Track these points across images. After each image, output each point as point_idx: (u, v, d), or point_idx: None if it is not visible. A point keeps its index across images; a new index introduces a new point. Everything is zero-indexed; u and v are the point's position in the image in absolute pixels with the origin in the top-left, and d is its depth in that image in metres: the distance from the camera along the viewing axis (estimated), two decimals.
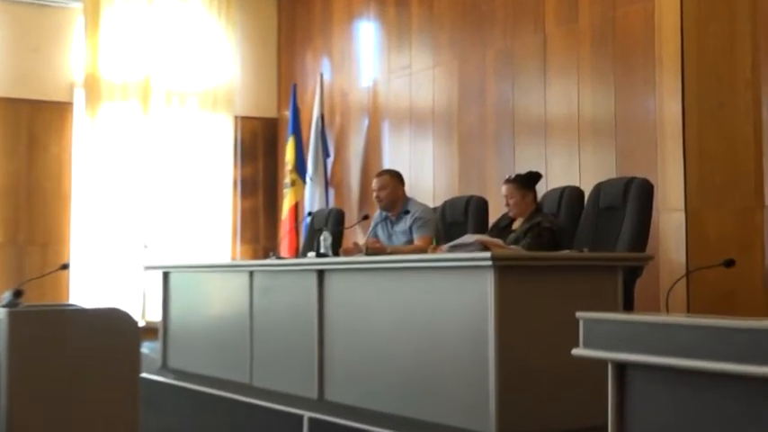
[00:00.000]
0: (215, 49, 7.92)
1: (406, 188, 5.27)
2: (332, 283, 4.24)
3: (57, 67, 7.47)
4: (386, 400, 3.80)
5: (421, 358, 3.65)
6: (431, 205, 5.46)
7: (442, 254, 3.86)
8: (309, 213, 6.43)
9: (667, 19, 4.67)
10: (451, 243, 3.84)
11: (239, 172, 8.09)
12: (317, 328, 4.26)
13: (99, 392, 3.57)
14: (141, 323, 6.97)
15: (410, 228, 4.99)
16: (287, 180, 7.58)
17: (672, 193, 4.57)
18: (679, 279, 3.87)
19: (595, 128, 5.21)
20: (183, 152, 7.76)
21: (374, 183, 5.14)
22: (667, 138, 4.67)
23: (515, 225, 4.53)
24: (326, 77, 7.65)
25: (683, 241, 4.47)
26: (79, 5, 7.47)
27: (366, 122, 7.24)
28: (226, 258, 7.67)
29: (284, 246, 7.38)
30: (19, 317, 3.69)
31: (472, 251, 3.62)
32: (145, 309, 7.36)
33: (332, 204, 7.28)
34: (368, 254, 4.39)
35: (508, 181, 4.55)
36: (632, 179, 4.28)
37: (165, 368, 5.57)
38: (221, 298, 5.26)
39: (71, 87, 7.48)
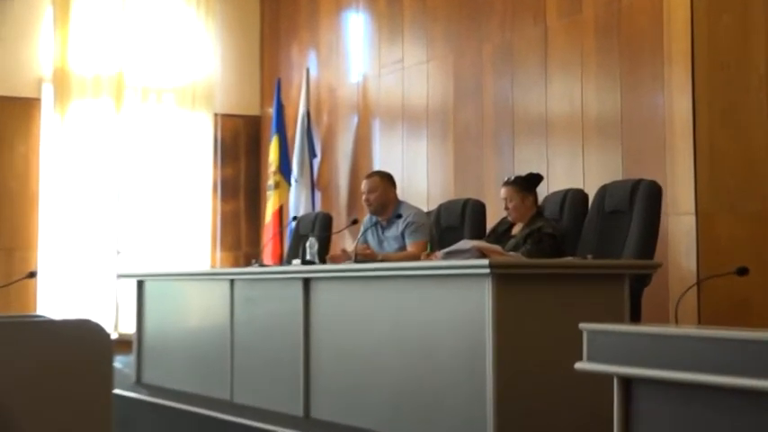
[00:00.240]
0: (193, 42, 7.90)
1: (398, 191, 5.27)
2: (319, 292, 4.23)
3: (23, 60, 7.44)
4: (376, 418, 3.79)
5: (414, 373, 3.64)
6: (424, 209, 5.47)
7: (437, 261, 3.86)
8: (294, 218, 6.42)
9: (677, 10, 4.69)
10: (447, 249, 3.84)
11: (219, 173, 8.08)
12: (303, 341, 4.26)
13: (68, 410, 3.55)
14: (114, 335, 6.98)
15: (402, 233, 5.00)
16: (270, 182, 7.57)
17: (682, 195, 4.58)
18: (689, 288, 3.88)
19: (600, 127, 5.22)
20: (159, 152, 7.74)
21: (363, 185, 5.14)
22: (677, 137, 4.68)
23: (515, 230, 4.54)
24: (313, 72, 7.64)
25: (694, 247, 4.48)
26: None
27: (355, 121, 7.24)
28: (205, 266, 7.66)
29: (267, 252, 7.37)
30: None
31: (469, 258, 3.62)
32: (118, 320, 7.34)
33: (318, 208, 7.28)
34: (357, 261, 4.39)
35: (507, 183, 4.55)
36: (639, 181, 4.29)
37: (139, 384, 5.56)
38: (200, 308, 5.25)
39: (39, 82, 7.46)
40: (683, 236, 4.55)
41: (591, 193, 4.55)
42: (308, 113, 7.44)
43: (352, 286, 4.08)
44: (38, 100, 7.43)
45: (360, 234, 5.16)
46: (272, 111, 7.79)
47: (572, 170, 5.31)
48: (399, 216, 4.98)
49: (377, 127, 7.02)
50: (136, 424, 5.04)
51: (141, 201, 7.65)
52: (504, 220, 4.66)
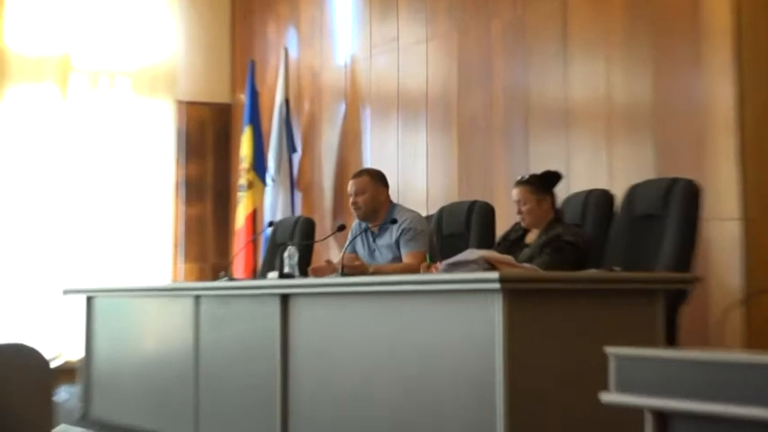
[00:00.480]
0: (152, 19, 7.91)
1: (392, 192, 5.27)
2: (299, 311, 4.23)
3: None
4: None
5: (411, 405, 3.64)
6: (423, 213, 5.47)
7: (438, 274, 3.85)
8: (271, 223, 6.41)
9: None
10: (449, 260, 3.83)
11: (183, 171, 8.08)
12: (281, 369, 4.25)
13: None
14: (57, 362, 6.95)
15: (397, 241, 5.00)
16: (242, 181, 7.57)
17: (725, 197, 4.58)
18: (734, 305, 3.87)
19: (629, 116, 5.23)
20: (112, 146, 7.74)
21: (350, 186, 5.15)
22: (718, 129, 4.68)
23: (529, 238, 4.54)
24: (292, 53, 7.65)
25: (740, 258, 4.48)
26: None
27: (342, 109, 7.24)
28: (165, 280, 7.66)
29: (239, 264, 7.37)
30: None
31: (475, 270, 3.62)
32: (62, 344, 7.32)
33: (299, 212, 7.28)
34: (344, 274, 4.39)
35: (520, 183, 4.55)
36: (675, 180, 4.29)
37: (86, 419, 5.55)
38: (159, 330, 5.24)
39: None
40: (726, 244, 4.55)
41: (618, 195, 4.55)
42: (286, 101, 7.44)
43: (339, 304, 4.08)
44: None
45: (347, 242, 5.16)
46: (244, 98, 7.79)
47: (596, 167, 5.32)
48: (394, 221, 4.99)
49: (367, 117, 7.03)
50: None
51: (91, 203, 7.64)
52: (516, 227, 4.66)
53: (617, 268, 3.81)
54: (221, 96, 8.33)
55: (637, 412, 2.35)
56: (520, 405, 3.26)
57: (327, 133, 7.38)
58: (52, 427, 3.50)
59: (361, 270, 4.60)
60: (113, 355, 5.54)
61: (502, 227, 5.01)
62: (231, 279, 5.15)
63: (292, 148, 7.46)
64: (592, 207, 4.61)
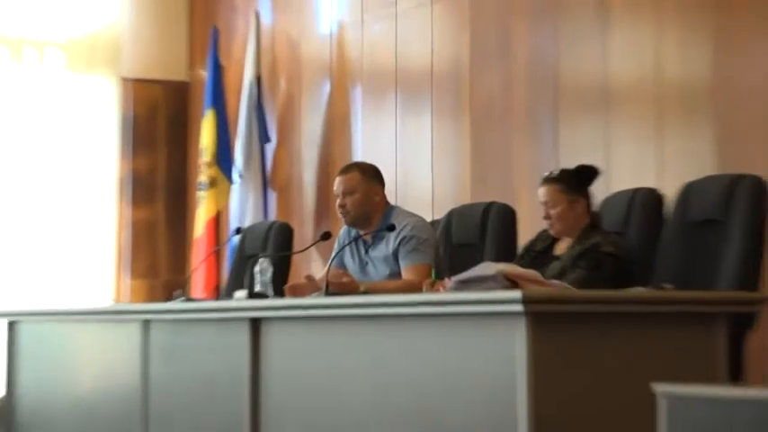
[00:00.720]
0: None
1: (389, 192, 5.27)
2: (273, 339, 4.23)
3: None
4: None
5: None
6: (428, 217, 5.47)
7: (446, 294, 3.86)
8: (238, 230, 6.41)
9: None
10: (460, 276, 3.84)
11: (129, 165, 8.09)
12: (250, 411, 4.25)
13: None
14: None
15: (395, 253, 5.00)
16: (203, 178, 7.58)
17: None
18: None
19: (684, 99, 5.24)
20: (40, 134, 7.75)
21: (337, 184, 5.14)
22: None
23: (559, 248, 4.56)
24: (265, 20, 7.66)
25: None
26: None
27: (327, 89, 7.25)
28: (107, 301, 7.65)
29: (198, 281, 7.37)
30: None
31: (492, 289, 3.62)
32: None
33: (273, 216, 7.29)
34: (329, 294, 4.39)
35: (548, 181, 4.57)
36: (740, 177, 4.30)
37: None
38: (99, 363, 5.24)
39: None
40: None
41: (669, 195, 4.56)
42: (258, 79, 7.45)
43: (322, 331, 4.08)
44: None
45: (333, 254, 5.16)
46: (205, 74, 7.80)
47: (642, 161, 5.33)
48: (391, 228, 4.99)
49: (358, 98, 7.03)
50: None
51: (13, 205, 7.65)
52: (543, 235, 4.68)
53: (668, 286, 3.82)
54: (176, 73, 8.33)
55: None
56: None
57: (308, 119, 7.38)
58: None
59: (350, 288, 4.59)
60: (42, 394, 5.53)
61: (525, 235, 5.02)
62: (189, 300, 5.14)
63: (265, 138, 7.47)
64: (637, 210, 4.62)
